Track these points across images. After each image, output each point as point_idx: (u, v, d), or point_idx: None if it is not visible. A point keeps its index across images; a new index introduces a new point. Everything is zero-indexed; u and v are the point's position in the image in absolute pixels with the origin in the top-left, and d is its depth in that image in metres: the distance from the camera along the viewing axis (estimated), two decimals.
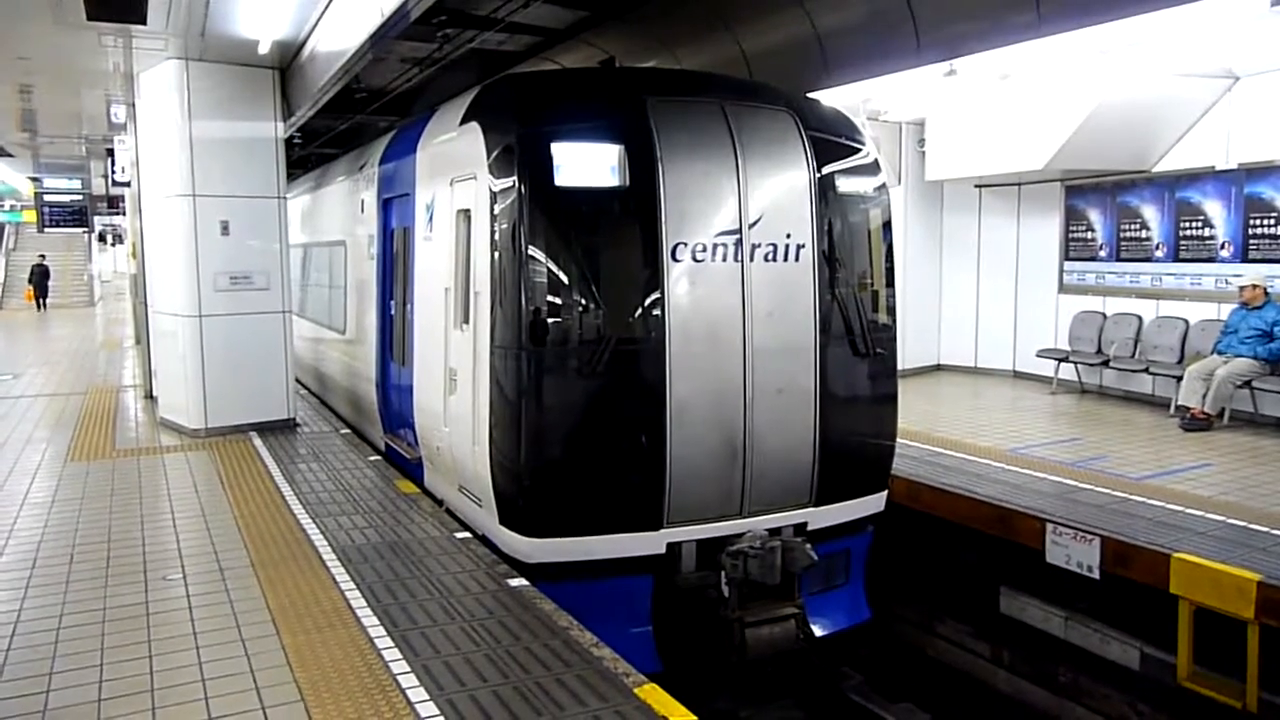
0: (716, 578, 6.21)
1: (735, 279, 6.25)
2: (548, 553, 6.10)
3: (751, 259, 6.28)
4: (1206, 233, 11.14)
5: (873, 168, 7.11)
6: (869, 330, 6.82)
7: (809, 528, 6.56)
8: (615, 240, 6.38)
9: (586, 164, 6.09)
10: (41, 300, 32.18)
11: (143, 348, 13.07)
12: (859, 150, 7.03)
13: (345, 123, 14.56)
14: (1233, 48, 9.97)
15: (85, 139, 17.58)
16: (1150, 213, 11.80)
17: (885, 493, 7.18)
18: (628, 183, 6.06)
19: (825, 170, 6.65)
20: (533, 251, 6.00)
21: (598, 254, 6.36)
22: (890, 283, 7.25)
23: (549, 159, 6.01)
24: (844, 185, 6.81)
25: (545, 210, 6.07)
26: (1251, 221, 10.65)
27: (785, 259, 6.40)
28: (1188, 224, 11.35)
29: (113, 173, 15.92)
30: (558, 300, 6.11)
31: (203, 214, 9.97)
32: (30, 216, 31.14)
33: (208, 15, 8.33)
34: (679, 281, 6.11)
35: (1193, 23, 8.97)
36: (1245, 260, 10.68)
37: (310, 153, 17.94)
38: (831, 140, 6.84)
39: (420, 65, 10.94)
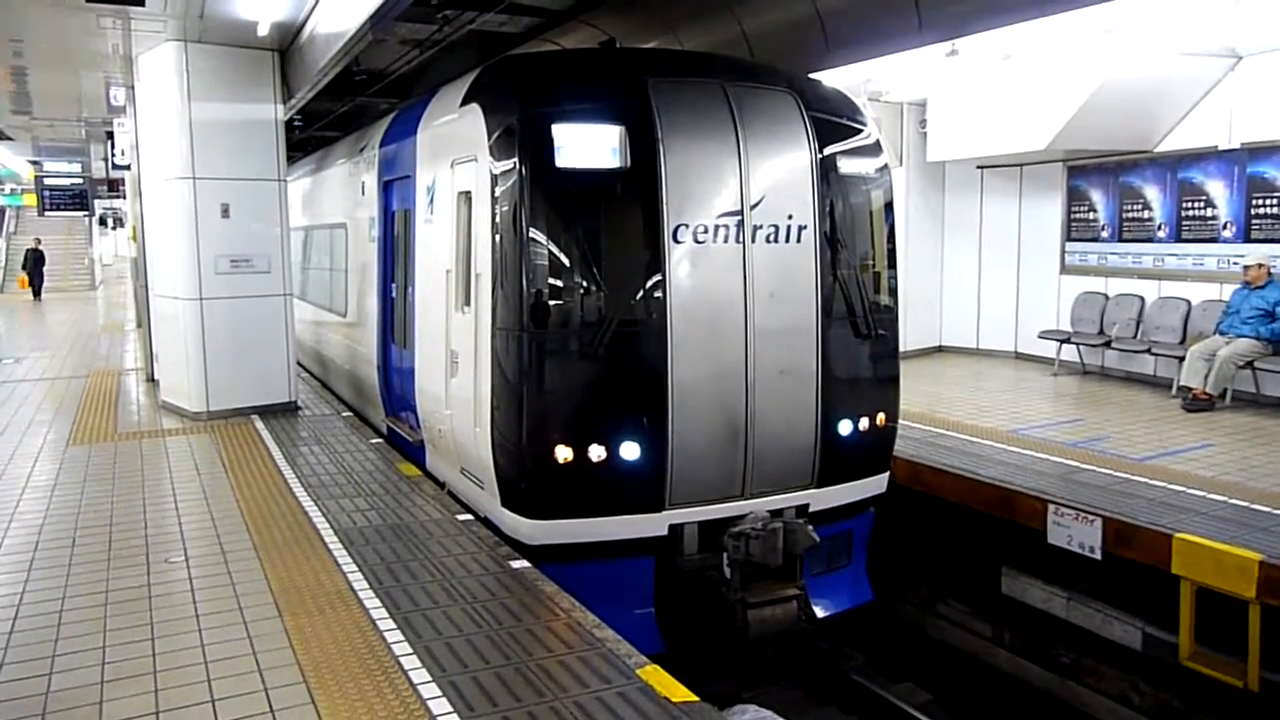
0: (718, 559, 6.22)
1: (737, 260, 6.23)
2: (549, 534, 6.12)
3: (753, 240, 6.26)
4: (1209, 213, 11.10)
5: (874, 148, 7.08)
6: (871, 311, 6.81)
7: (811, 509, 6.57)
8: (616, 222, 6.37)
9: (587, 145, 6.05)
10: (36, 289, 29.19)
11: (144, 331, 13.07)
12: (861, 131, 7.00)
13: (345, 105, 14.53)
14: (1235, 26, 9.91)
15: (85, 122, 17.52)
16: (1153, 193, 11.75)
17: (887, 474, 7.19)
18: (629, 164, 6.04)
19: (827, 151, 6.62)
20: (534, 233, 5.99)
21: (599, 236, 6.35)
22: (892, 264, 7.24)
23: (550, 140, 5.98)
24: (846, 166, 6.78)
25: (546, 192, 6.06)
26: (1254, 201, 10.60)
27: (787, 240, 6.39)
28: (1190, 204, 11.31)
29: (112, 156, 15.88)
30: (559, 282, 6.11)
31: (203, 197, 9.93)
32: (30, 200, 31.04)
33: None
34: (680, 263, 6.10)
35: (1196, 1, 8.94)
36: (1248, 240, 10.65)
37: (310, 135, 17.89)
38: (833, 121, 6.80)
39: (420, 47, 10.91)
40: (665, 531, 6.18)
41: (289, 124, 11.97)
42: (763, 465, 6.36)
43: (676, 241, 6.08)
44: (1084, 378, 12.31)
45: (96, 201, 28.98)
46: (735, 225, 6.22)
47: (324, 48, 8.66)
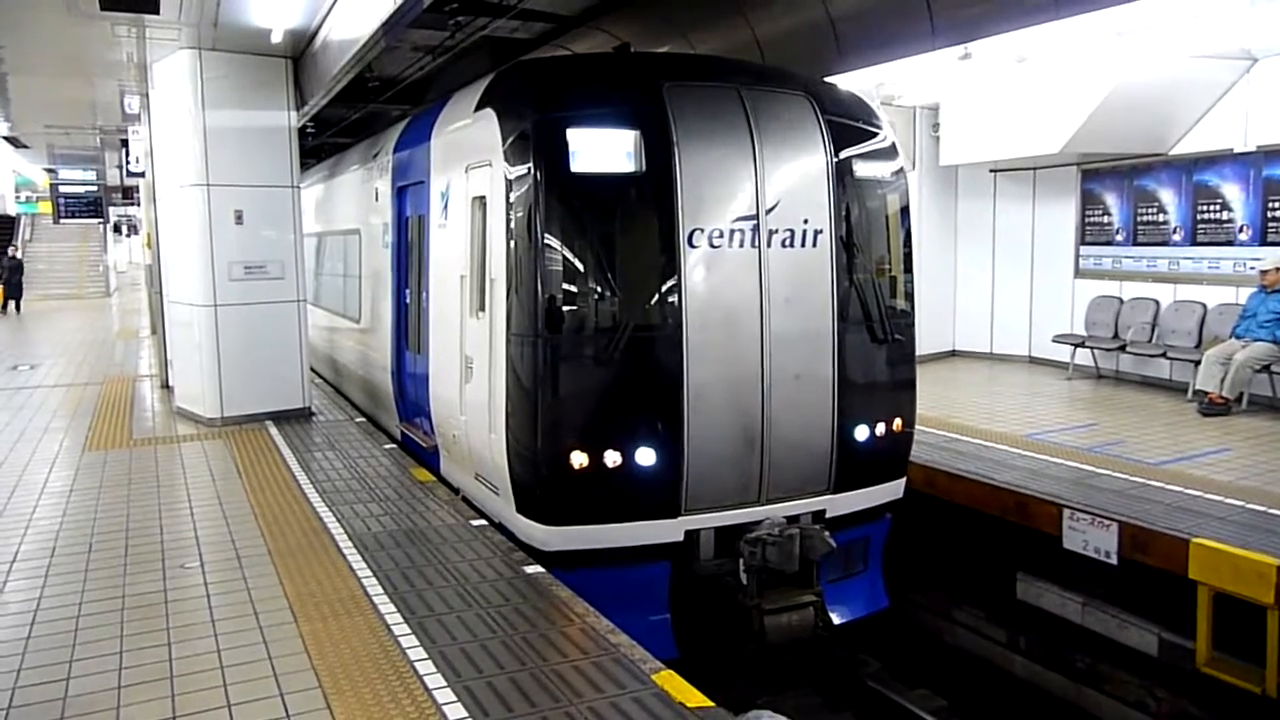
0: (734, 565, 6.19)
1: (752, 265, 6.20)
2: (565, 541, 6.08)
3: (769, 245, 6.23)
4: (1224, 216, 11.04)
5: (890, 152, 7.04)
6: (887, 316, 6.78)
7: (827, 515, 6.53)
8: (631, 227, 6.35)
9: (602, 150, 6.03)
10: (13, 302, 26.69)
11: (158, 337, 13.13)
12: (876, 134, 6.96)
13: (358, 112, 14.57)
14: (1251, 29, 9.86)
15: (99, 130, 17.63)
16: (1167, 196, 11.70)
17: (904, 480, 7.14)
18: (644, 169, 6.01)
19: (843, 155, 6.59)
20: (549, 239, 5.97)
21: (614, 240, 6.35)
22: (909, 268, 7.19)
23: (565, 145, 5.96)
24: (862, 170, 6.75)
25: (561, 197, 6.03)
26: (1270, 204, 10.55)
27: (803, 245, 6.35)
28: (1205, 207, 11.26)
29: (127, 163, 15.98)
30: (574, 287, 6.10)
31: (217, 204, 9.99)
32: (46, 208, 31.19)
33: (220, 4, 8.33)
34: (695, 268, 6.07)
35: (1211, 3, 8.90)
36: (1264, 243, 10.59)
37: (323, 142, 17.95)
38: (849, 124, 6.77)
39: (432, 53, 10.93)
40: (681, 537, 6.14)
41: (301, 131, 12.01)
42: (779, 471, 6.32)
43: (692, 246, 6.04)
44: (1098, 382, 12.25)
45: (111, 209, 29.13)
46: (751, 230, 6.18)
47: (337, 55, 8.70)
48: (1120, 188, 12.29)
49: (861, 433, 6.65)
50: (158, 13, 8.35)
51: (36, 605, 5.30)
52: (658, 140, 6.04)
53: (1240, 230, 10.87)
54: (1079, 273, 12.94)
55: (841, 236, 6.50)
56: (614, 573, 6.03)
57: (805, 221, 6.36)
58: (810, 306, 6.39)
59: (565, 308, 6.02)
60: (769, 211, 6.24)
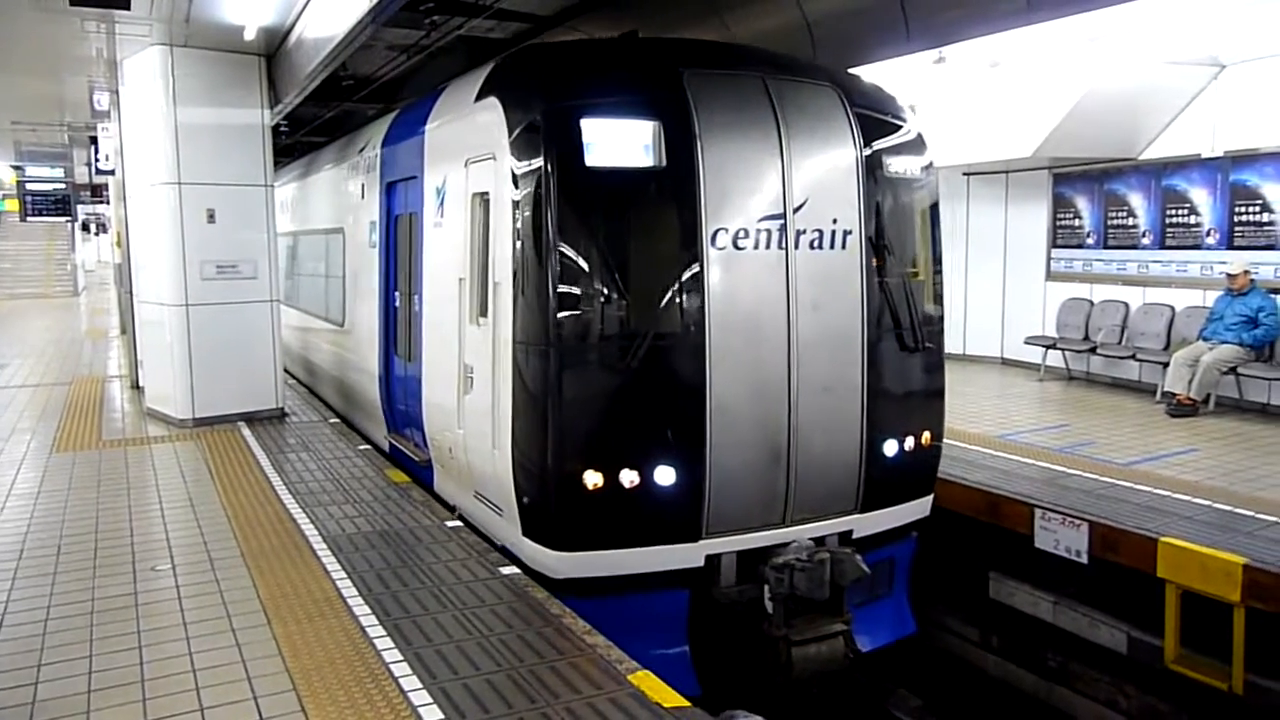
0: (757, 591, 5.77)
1: (779, 268, 5.79)
2: (577, 567, 5.64)
3: (796, 246, 5.82)
4: (1192, 220, 11.19)
5: (919, 145, 6.63)
6: (919, 323, 6.40)
7: (854, 535, 6.16)
8: (650, 226, 5.89)
9: (619, 142, 5.58)
10: None
11: (128, 337, 12.99)
12: (903, 127, 6.58)
13: (332, 110, 14.49)
14: (1219, 36, 10.00)
15: (68, 126, 17.43)
16: (1137, 200, 11.84)
17: (931, 496, 6.82)
18: (664, 163, 5.59)
19: (872, 149, 6.21)
20: (560, 239, 5.53)
21: (631, 241, 5.87)
22: (938, 269, 6.84)
23: (578, 137, 5.51)
24: (892, 166, 6.35)
25: (574, 193, 5.61)
26: (1237, 208, 10.69)
27: (831, 246, 5.94)
28: (1174, 211, 11.40)
29: (96, 161, 15.79)
30: (587, 292, 5.62)
31: (189, 202, 9.88)
32: (13, 205, 30.74)
33: (192, 1, 8.25)
34: (719, 270, 5.65)
35: (1180, 10, 9.03)
36: (1231, 247, 10.74)
37: (296, 141, 17.83)
38: (877, 117, 6.39)
39: (407, 53, 10.87)
40: (701, 563, 5.70)
41: (275, 129, 11.92)
42: (805, 489, 5.90)
43: (715, 247, 5.61)
44: (1069, 383, 12.38)
45: (79, 207, 28.77)
46: (777, 230, 5.76)
47: (311, 53, 8.63)
48: (1091, 191, 12.43)
49: (891, 447, 6.27)
50: (128, 8, 8.25)
51: (3, 609, 5.23)
52: (678, 132, 5.61)
53: (1208, 234, 11.01)
54: (1050, 275, 13.08)
55: (871, 237, 6.12)
56: (628, 601, 5.60)
57: (834, 221, 5.95)
58: (839, 313, 5.99)
59: (577, 314, 5.58)
60: (797, 210, 5.83)
